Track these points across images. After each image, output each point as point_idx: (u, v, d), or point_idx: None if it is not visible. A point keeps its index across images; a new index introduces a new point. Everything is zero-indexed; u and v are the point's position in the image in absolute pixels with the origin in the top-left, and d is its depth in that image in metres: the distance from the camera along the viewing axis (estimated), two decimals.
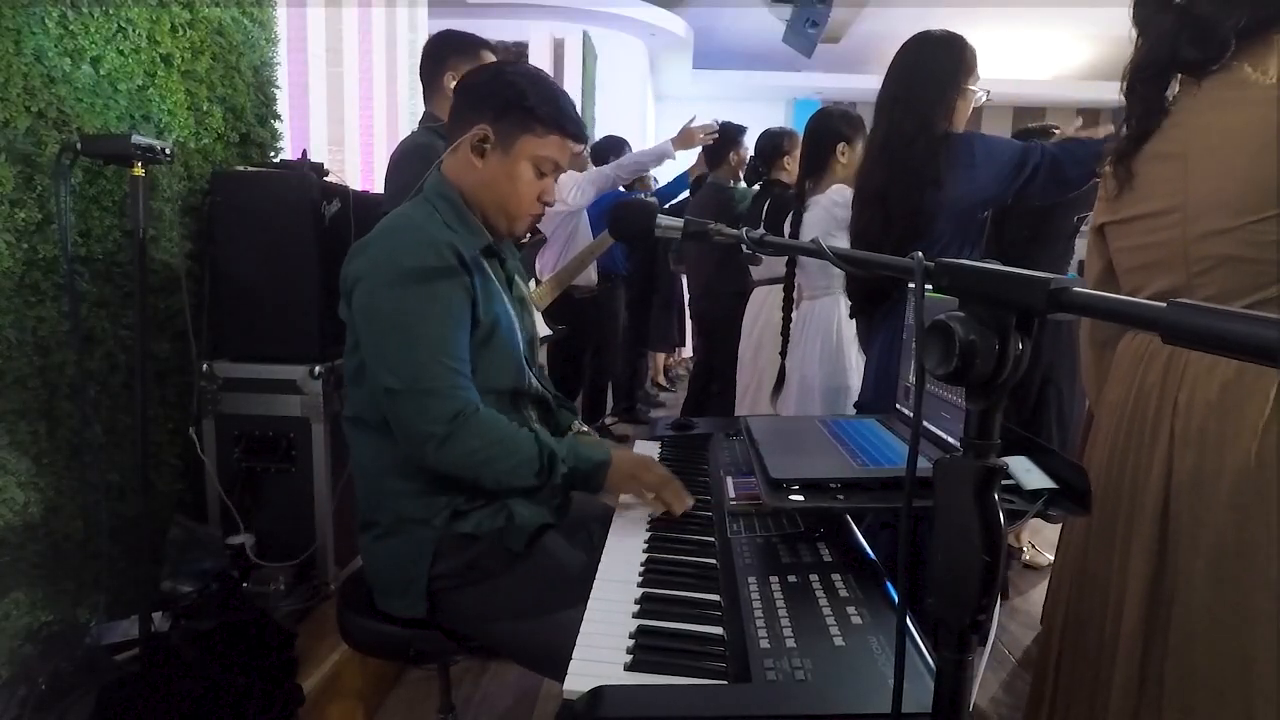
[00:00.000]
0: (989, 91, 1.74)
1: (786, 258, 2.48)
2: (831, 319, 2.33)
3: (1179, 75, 1.10)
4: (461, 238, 1.23)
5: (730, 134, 3.58)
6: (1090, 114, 10.08)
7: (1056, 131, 2.67)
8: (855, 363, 2.28)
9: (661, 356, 6.20)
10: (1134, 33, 1.13)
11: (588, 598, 0.95)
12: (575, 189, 3.34)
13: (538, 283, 2.88)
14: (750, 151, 3.54)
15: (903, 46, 1.74)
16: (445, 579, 1.21)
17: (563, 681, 0.77)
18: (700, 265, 3.71)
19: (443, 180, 1.29)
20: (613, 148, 4.14)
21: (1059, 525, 2.48)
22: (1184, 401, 1.04)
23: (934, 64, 1.68)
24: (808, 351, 2.36)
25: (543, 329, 2.30)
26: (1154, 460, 1.08)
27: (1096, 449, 1.22)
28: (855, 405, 1.96)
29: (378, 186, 3.83)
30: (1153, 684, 1.06)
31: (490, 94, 1.25)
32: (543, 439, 1.22)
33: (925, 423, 1.19)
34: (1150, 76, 1.11)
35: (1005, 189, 1.63)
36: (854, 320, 2.17)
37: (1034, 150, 1.63)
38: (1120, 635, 1.09)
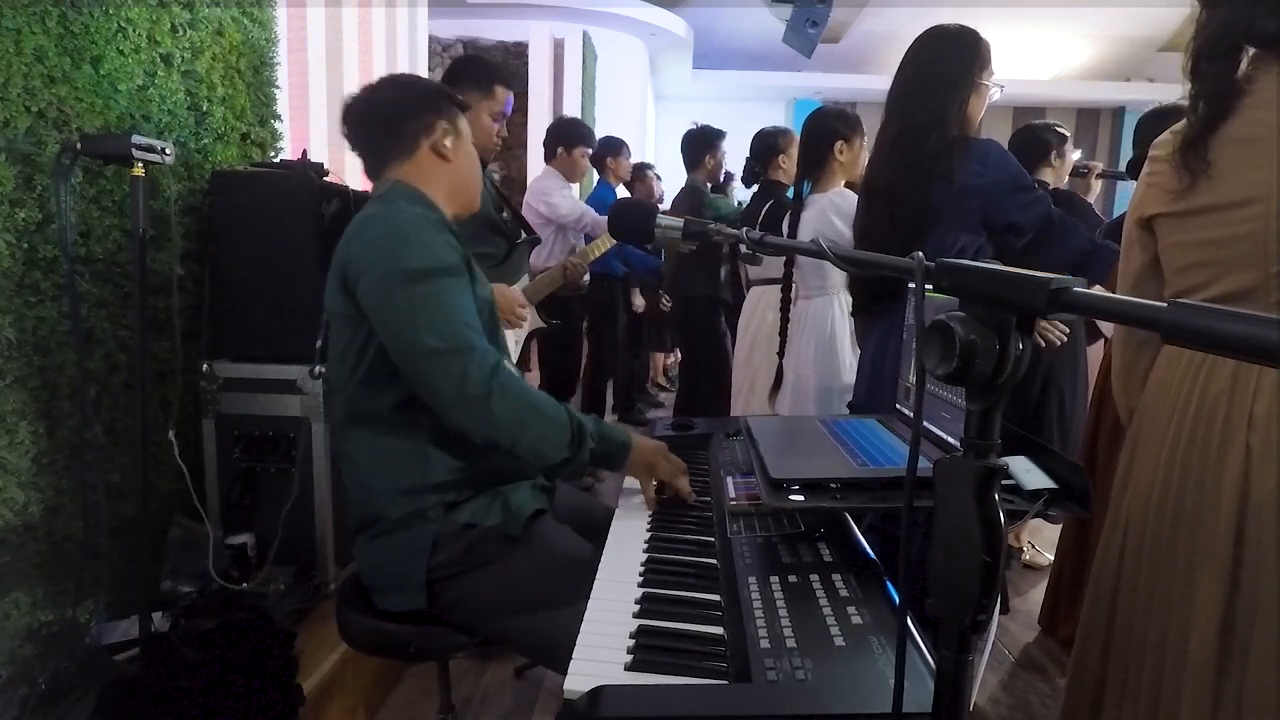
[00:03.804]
0: (1003, 87, 1.72)
1: (785, 258, 2.47)
2: (826, 319, 2.32)
3: (1250, 52, 1.01)
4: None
5: (708, 136, 3.59)
6: (1089, 114, 10.13)
7: (1062, 131, 2.65)
8: (850, 363, 2.27)
9: (661, 356, 6.20)
10: (1197, 7, 1.04)
11: (588, 585, 0.95)
12: (571, 204, 3.44)
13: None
14: (725, 153, 3.57)
15: (915, 41, 1.72)
16: (444, 568, 1.21)
17: (563, 673, 0.77)
18: (674, 271, 3.73)
19: (406, 188, 1.30)
20: (610, 147, 4.15)
21: (1059, 525, 2.49)
22: (1261, 413, 0.95)
23: (946, 58, 1.67)
24: (802, 351, 2.35)
25: (536, 321, 2.32)
26: (1224, 477, 0.98)
27: (1141, 464, 1.12)
28: (848, 406, 1.96)
29: None
30: (1228, 716, 0.97)
31: (424, 100, 1.32)
32: (570, 410, 1.23)
33: (925, 423, 1.19)
34: (1222, 53, 1.01)
35: (1001, 204, 1.61)
36: (852, 319, 2.16)
37: (1045, 200, 1.62)
38: (1187, 664, 1.00)
